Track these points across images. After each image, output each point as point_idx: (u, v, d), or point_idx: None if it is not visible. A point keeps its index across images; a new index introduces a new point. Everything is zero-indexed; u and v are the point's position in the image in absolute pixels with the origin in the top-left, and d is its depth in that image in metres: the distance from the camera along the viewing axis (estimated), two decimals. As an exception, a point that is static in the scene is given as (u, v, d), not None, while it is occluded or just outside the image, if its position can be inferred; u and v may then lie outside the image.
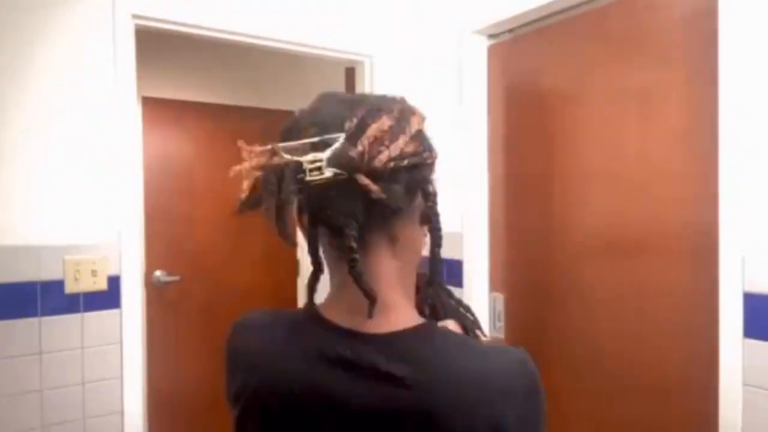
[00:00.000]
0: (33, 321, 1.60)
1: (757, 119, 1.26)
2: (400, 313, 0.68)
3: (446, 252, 2.12)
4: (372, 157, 0.62)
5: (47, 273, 1.63)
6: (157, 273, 3.13)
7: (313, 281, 0.71)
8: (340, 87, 2.40)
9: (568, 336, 1.74)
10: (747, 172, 1.27)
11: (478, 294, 2.00)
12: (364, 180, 0.61)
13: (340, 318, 0.68)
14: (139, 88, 1.83)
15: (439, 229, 0.72)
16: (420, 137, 0.67)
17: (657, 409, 1.50)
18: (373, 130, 0.62)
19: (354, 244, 0.63)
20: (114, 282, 1.72)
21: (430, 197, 0.70)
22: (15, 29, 1.60)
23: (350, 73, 2.36)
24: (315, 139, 0.62)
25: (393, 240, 0.68)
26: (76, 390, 1.66)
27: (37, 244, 1.61)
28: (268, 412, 0.69)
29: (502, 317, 1.96)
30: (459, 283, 2.03)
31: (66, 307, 1.65)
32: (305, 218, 0.68)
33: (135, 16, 1.76)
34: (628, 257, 1.57)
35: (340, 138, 0.62)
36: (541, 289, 1.83)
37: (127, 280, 1.74)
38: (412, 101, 0.71)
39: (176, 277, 3.17)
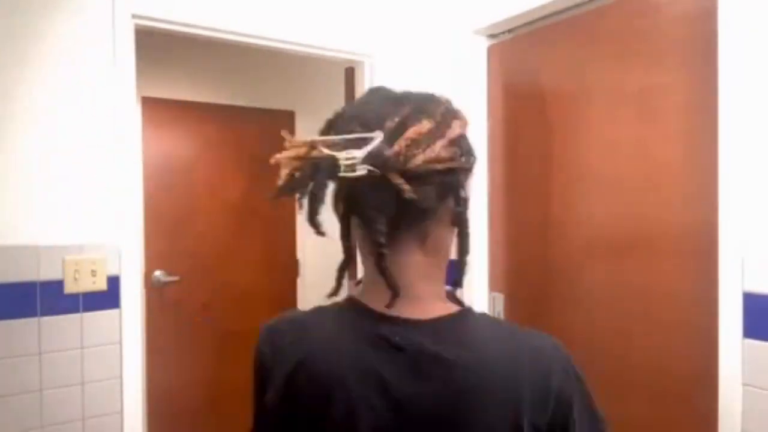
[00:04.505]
0: (32, 321, 1.60)
1: (757, 119, 1.26)
2: (432, 304, 0.71)
3: (446, 252, 2.13)
4: (407, 159, 0.64)
5: (47, 273, 1.62)
6: (157, 273, 3.13)
7: (343, 269, 0.74)
8: (340, 87, 2.40)
9: (567, 335, 1.73)
10: (747, 172, 1.27)
11: (478, 294, 2.00)
12: (397, 179, 0.63)
13: (380, 307, 0.69)
14: (139, 88, 1.83)
15: (467, 235, 0.73)
16: (459, 142, 0.69)
17: (657, 409, 1.50)
18: (411, 132, 0.64)
19: (382, 239, 0.66)
20: (114, 282, 1.72)
21: (461, 202, 0.71)
22: (14, 29, 1.60)
23: (350, 73, 2.35)
24: (353, 136, 0.65)
25: (423, 238, 0.70)
26: (76, 390, 1.66)
27: (37, 244, 1.61)
28: (317, 395, 0.69)
29: (502, 317, 1.96)
30: (458, 283, 2.03)
31: (65, 307, 1.65)
32: (340, 207, 0.71)
33: (135, 16, 1.76)
34: (628, 257, 1.57)
35: (378, 137, 0.64)
36: (541, 289, 1.83)
37: (126, 280, 1.74)
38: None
39: (176, 277, 3.17)
